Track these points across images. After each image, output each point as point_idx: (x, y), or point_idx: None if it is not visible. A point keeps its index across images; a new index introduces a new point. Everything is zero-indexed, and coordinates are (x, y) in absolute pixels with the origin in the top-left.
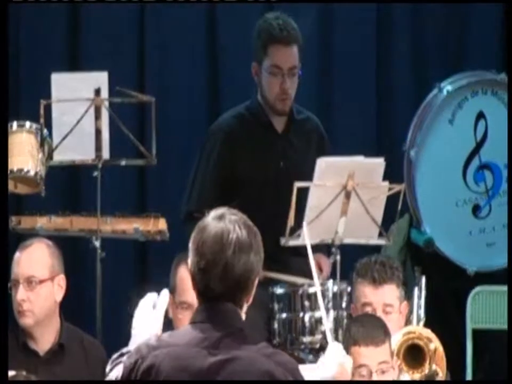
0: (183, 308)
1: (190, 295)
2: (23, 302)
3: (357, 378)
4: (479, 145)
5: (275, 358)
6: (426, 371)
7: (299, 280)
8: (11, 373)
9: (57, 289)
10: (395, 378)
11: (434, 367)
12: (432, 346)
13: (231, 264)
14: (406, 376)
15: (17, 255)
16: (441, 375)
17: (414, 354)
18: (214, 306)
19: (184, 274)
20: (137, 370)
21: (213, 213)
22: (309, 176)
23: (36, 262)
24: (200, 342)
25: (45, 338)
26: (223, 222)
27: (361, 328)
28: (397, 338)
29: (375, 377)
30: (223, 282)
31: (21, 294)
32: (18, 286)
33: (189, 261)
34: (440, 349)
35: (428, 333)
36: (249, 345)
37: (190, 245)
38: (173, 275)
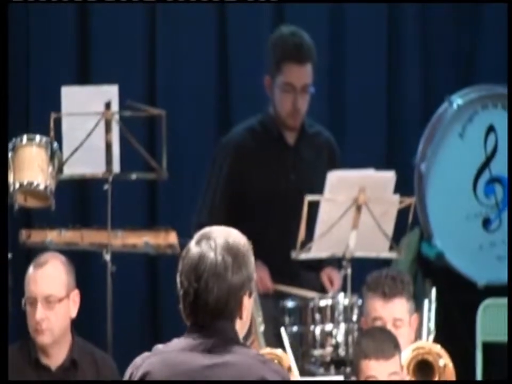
0: None
1: None
2: (42, 321)
3: None
4: (489, 159)
5: (270, 365)
6: None
7: (310, 293)
8: None
9: (72, 305)
10: None
11: None
12: (441, 362)
13: (205, 291)
14: None
15: (32, 272)
16: None
17: (423, 370)
18: (204, 324)
19: None
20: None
21: (195, 237)
22: (319, 189)
23: (54, 280)
24: (194, 348)
25: (59, 354)
26: (199, 247)
27: (371, 341)
28: (407, 353)
29: None
30: (203, 307)
31: (40, 313)
32: (36, 304)
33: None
34: (450, 365)
35: (438, 349)
36: (244, 350)
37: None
38: None
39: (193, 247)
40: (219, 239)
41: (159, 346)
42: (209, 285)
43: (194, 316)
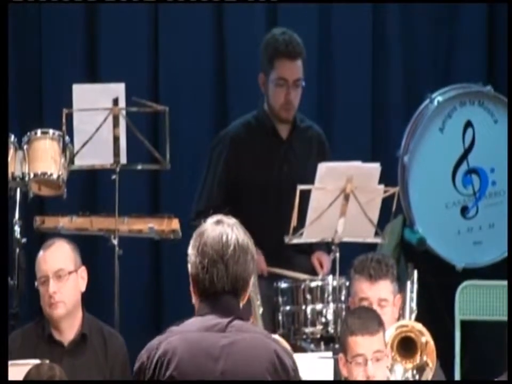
0: None
1: None
2: (55, 294)
3: (354, 366)
4: (467, 152)
5: (278, 342)
6: (418, 361)
7: (301, 275)
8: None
9: (81, 280)
10: (388, 366)
11: (425, 358)
12: (423, 339)
13: (232, 262)
14: (399, 366)
15: (41, 254)
16: (431, 366)
17: (406, 346)
18: (217, 299)
19: None
20: (151, 362)
21: (210, 219)
22: (310, 180)
23: (62, 257)
24: (210, 328)
25: (70, 329)
26: (221, 226)
27: (357, 319)
28: (391, 331)
29: (370, 365)
30: (225, 278)
31: (52, 287)
32: (48, 281)
33: (190, 264)
34: (431, 343)
35: (420, 327)
36: (254, 328)
37: (190, 250)
38: None
39: (212, 226)
40: (235, 222)
41: (175, 327)
42: (236, 254)
43: (212, 286)
